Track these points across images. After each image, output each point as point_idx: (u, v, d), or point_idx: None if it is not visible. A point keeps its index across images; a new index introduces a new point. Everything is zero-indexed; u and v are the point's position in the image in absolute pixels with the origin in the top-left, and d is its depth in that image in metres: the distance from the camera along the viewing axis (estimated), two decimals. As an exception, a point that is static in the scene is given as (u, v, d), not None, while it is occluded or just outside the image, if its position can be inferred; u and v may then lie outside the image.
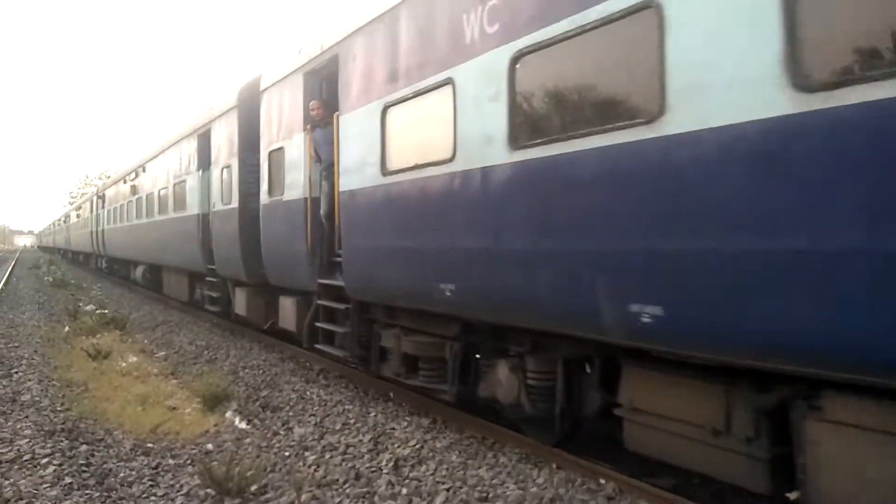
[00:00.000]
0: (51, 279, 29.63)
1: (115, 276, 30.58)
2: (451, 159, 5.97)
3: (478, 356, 6.64)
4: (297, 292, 9.78)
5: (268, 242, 10.42)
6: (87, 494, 5.51)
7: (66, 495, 5.47)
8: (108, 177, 43.97)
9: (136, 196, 21.57)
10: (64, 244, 58.60)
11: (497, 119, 5.42)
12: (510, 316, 5.63)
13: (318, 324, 8.99)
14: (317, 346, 9.13)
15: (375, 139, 7.19)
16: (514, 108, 5.30)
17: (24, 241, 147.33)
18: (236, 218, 11.72)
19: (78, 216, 45.49)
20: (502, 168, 5.38)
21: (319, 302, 8.92)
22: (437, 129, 6.20)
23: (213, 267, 13.39)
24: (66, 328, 14.86)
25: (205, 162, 14.06)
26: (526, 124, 5.26)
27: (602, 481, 5.34)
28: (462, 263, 5.93)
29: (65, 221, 59.39)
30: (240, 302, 12.51)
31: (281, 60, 10.29)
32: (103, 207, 30.29)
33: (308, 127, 8.98)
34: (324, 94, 9.15)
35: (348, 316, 8.26)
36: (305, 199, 8.99)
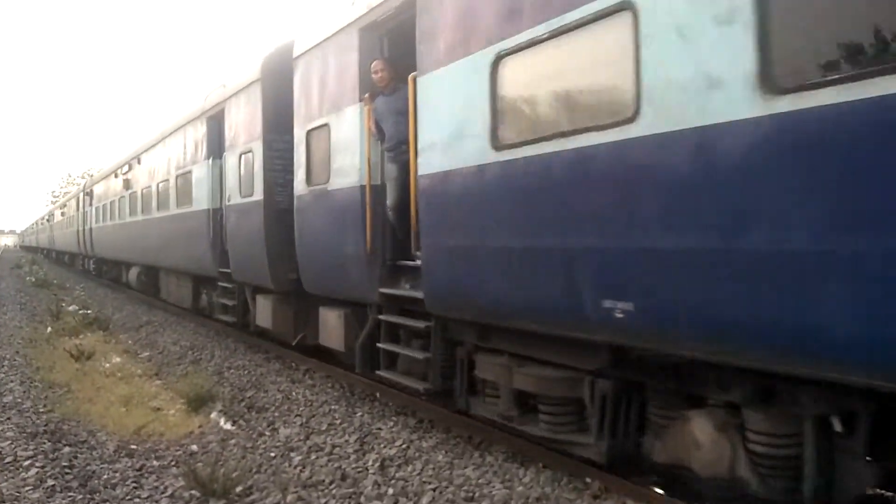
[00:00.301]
0: (33, 279, 29.33)
1: (103, 279, 28.69)
2: (632, 119, 4.15)
3: (631, 396, 5.12)
4: (343, 303, 8.16)
5: (305, 242, 8.63)
6: (69, 496, 5.47)
7: (48, 497, 5.43)
8: (91, 175, 41.36)
9: (130, 191, 19.68)
10: (48, 244, 55.79)
11: (732, 51, 3.58)
12: (753, 354, 3.76)
13: (380, 345, 7.30)
14: (378, 372, 7.46)
15: (480, 102, 5.39)
16: (771, 30, 3.43)
17: (5, 241, 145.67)
18: (260, 212, 9.92)
19: (63, 214, 42.67)
20: (747, 125, 3.52)
21: (382, 318, 7.25)
22: (599, 78, 4.56)
23: (227, 270, 11.58)
24: (49, 329, 14.73)
25: (216, 149, 12.33)
26: (806, 53, 3.40)
27: (588, 480, 5.35)
28: (653, 272, 4.09)
29: (48, 220, 56.47)
30: (262, 312, 10.60)
31: (324, 19, 8.42)
32: (91, 205, 28.00)
33: (366, 96, 7.25)
34: (386, 52, 7.47)
35: (420, 335, 6.82)
36: (362, 186, 7.21)
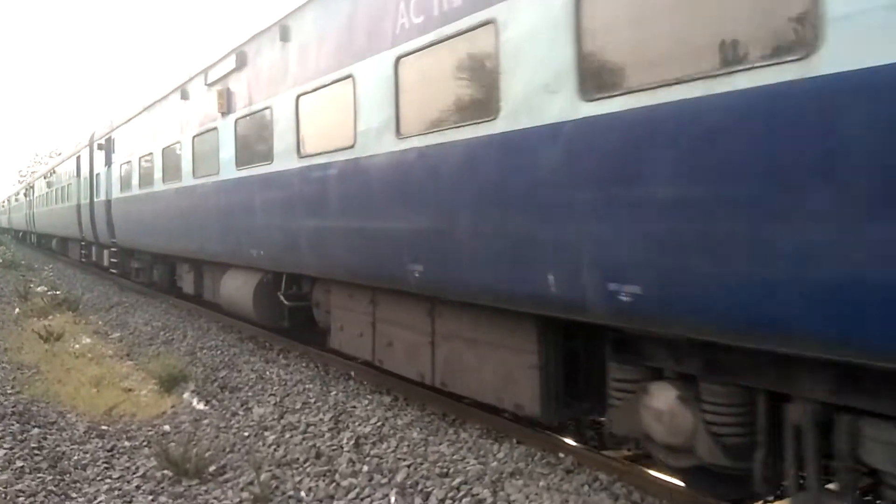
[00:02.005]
0: (0, 260, 28.76)
1: (132, 281, 17.74)
2: None
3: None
4: None
5: None
6: (39, 478, 5.41)
7: (17, 479, 5.36)
8: (55, 154, 35.93)
9: (233, 114, 9.83)
10: (24, 225, 43.64)
11: None
12: None
13: None
14: None
15: None
16: None
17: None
18: None
19: (49, 185, 29.96)
20: None
21: None
22: None
23: None
24: (17, 310, 14.47)
25: None
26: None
27: (561, 455, 5.41)
28: None
29: (26, 194, 42.83)
30: None
31: None
32: (109, 164, 17.23)
33: None
34: None
35: None
36: None
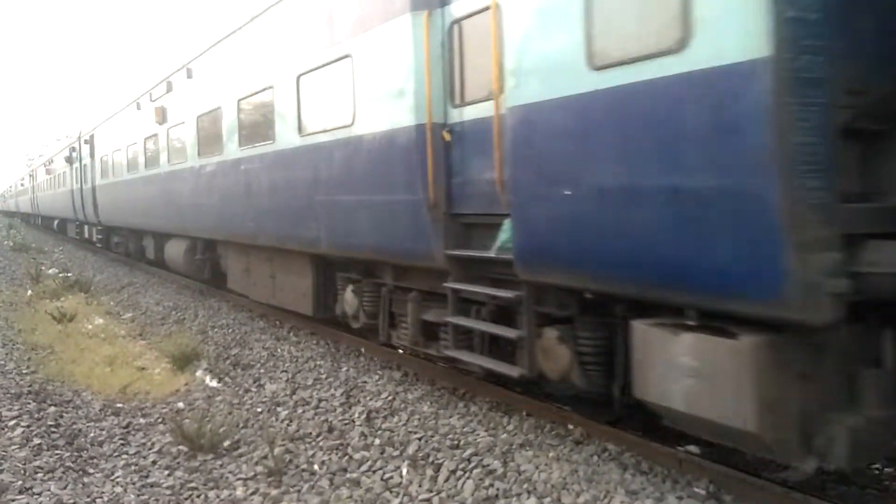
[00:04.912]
0: (11, 243, 28.95)
1: None
2: None
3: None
4: None
5: None
6: (56, 454, 5.50)
7: (35, 455, 5.45)
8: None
9: None
10: (71, 211, 26.19)
11: None
12: None
13: None
14: None
15: None
16: None
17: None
18: None
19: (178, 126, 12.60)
20: None
21: None
22: None
23: None
24: (29, 292, 14.60)
25: None
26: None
27: (570, 426, 5.46)
28: None
29: (69, 159, 25.31)
30: None
31: None
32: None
33: None
34: None
35: None
36: None
